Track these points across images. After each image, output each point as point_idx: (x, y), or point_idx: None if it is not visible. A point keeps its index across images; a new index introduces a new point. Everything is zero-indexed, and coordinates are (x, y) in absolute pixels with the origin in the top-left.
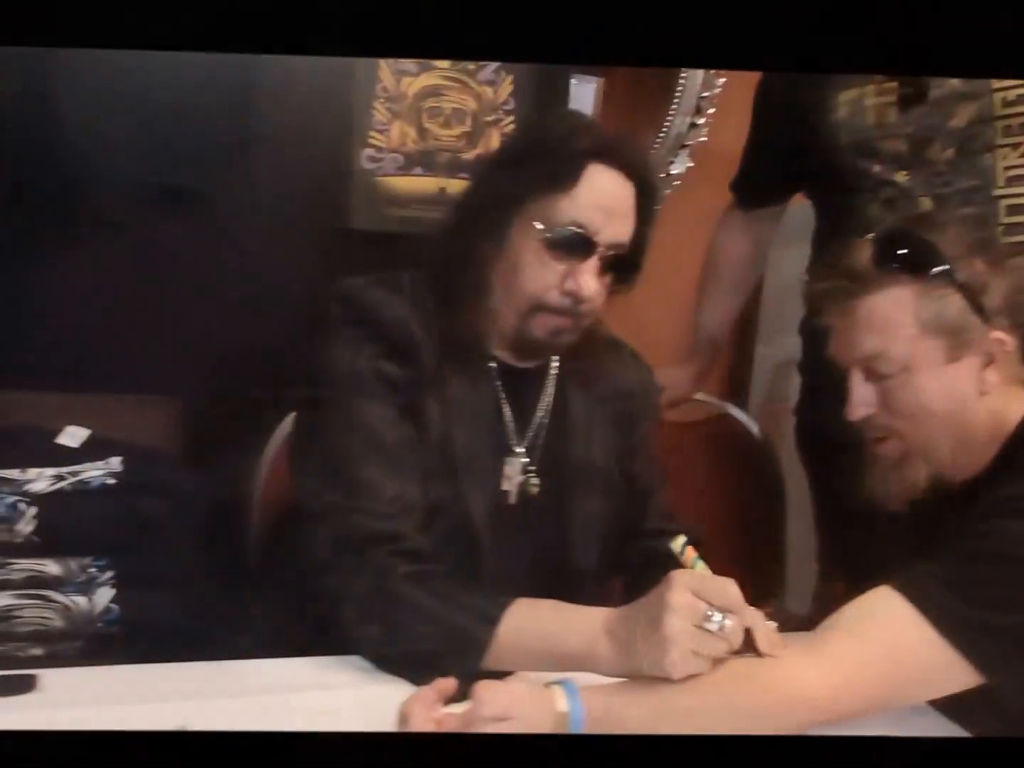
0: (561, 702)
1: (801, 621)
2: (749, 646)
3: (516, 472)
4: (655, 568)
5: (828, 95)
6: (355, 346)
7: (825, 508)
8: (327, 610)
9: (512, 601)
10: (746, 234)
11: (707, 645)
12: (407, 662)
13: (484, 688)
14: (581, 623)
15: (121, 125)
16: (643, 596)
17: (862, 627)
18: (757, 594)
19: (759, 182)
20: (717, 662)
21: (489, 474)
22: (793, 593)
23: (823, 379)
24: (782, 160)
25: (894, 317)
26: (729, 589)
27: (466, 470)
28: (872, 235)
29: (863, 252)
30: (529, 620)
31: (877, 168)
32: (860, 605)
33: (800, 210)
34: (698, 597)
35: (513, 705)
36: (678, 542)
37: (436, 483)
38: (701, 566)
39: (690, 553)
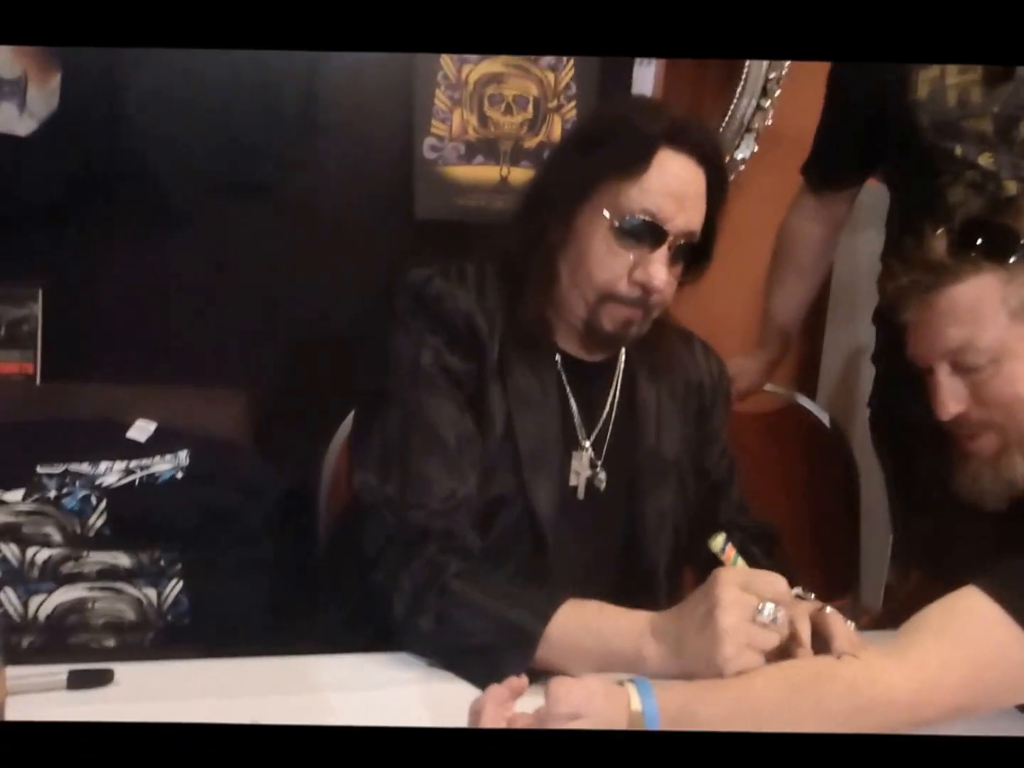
0: (635, 700)
1: (876, 617)
2: (828, 646)
3: (583, 466)
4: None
5: (908, 73)
6: (418, 339)
7: (902, 501)
8: (378, 604)
9: (562, 599)
10: (818, 219)
11: (760, 638)
12: (458, 657)
13: (558, 685)
14: (626, 625)
15: (188, 119)
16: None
17: (947, 628)
18: (831, 589)
19: (832, 165)
20: (792, 660)
21: (555, 468)
22: (867, 589)
23: (898, 369)
24: (857, 142)
25: (980, 306)
26: (777, 583)
27: (531, 463)
28: (945, 227)
29: (938, 244)
30: (576, 619)
31: (960, 150)
32: (945, 605)
33: (872, 193)
34: (747, 592)
35: (587, 703)
36: (717, 541)
37: (500, 477)
38: (741, 563)
39: (730, 551)
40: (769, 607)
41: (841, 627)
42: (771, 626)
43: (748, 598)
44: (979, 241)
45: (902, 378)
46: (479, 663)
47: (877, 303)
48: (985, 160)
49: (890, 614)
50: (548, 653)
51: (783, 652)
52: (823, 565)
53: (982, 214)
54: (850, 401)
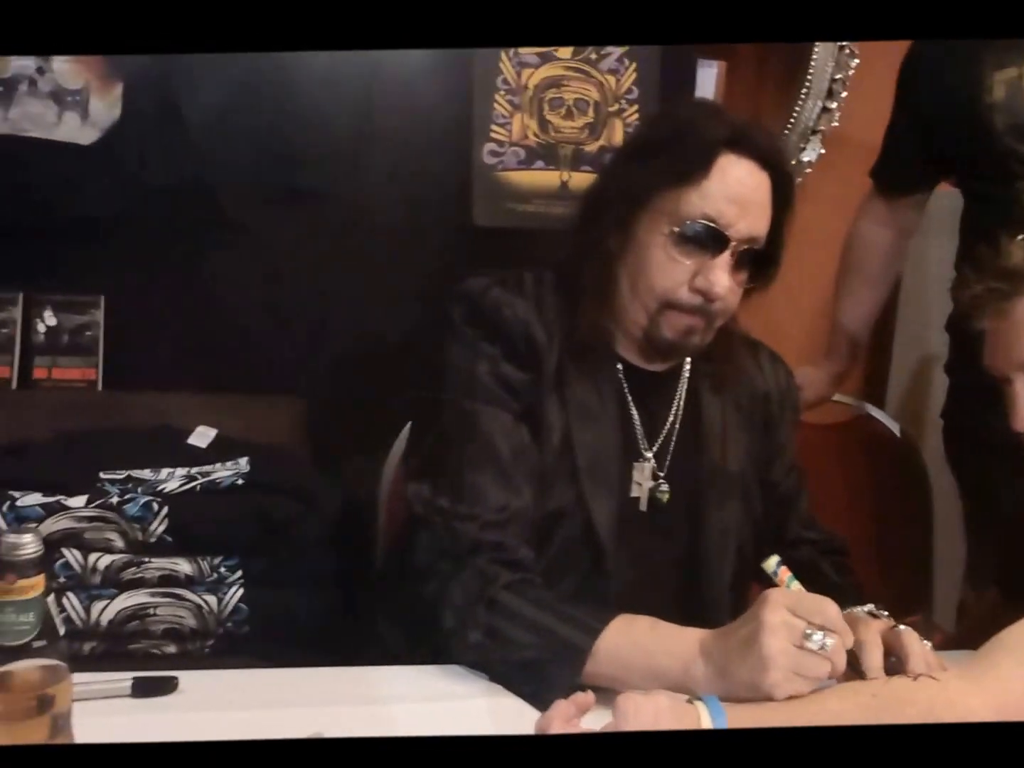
0: (705, 719)
1: (950, 637)
2: (902, 666)
3: (645, 477)
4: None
5: (983, 74)
6: (474, 348)
7: (977, 517)
8: (427, 616)
9: (613, 615)
10: (888, 224)
11: (807, 666)
12: (506, 670)
13: (626, 701)
14: (677, 643)
15: (243, 126)
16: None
17: None
18: (902, 606)
19: (903, 169)
20: (866, 680)
21: (615, 480)
22: (940, 607)
23: (973, 380)
24: (929, 144)
25: None
26: (827, 607)
27: (589, 475)
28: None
29: (1016, 251)
30: (627, 636)
31: None
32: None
33: (943, 197)
34: (795, 615)
35: (656, 720)
36: (771, 562)
37: (559, 490)
38: (796, 586)
39: (784, 573)
40: (818, 635)
41: (917, 647)
42: (820, 653)
43: (796, 623)
44: None
45: (977, 389)
46: (527, 677)
47: (950, 312)
48: None
49: (965, 633)
50: (597, 669)
51: (855, 672)
52: (894, 581)
53: None
54: (920, 412)
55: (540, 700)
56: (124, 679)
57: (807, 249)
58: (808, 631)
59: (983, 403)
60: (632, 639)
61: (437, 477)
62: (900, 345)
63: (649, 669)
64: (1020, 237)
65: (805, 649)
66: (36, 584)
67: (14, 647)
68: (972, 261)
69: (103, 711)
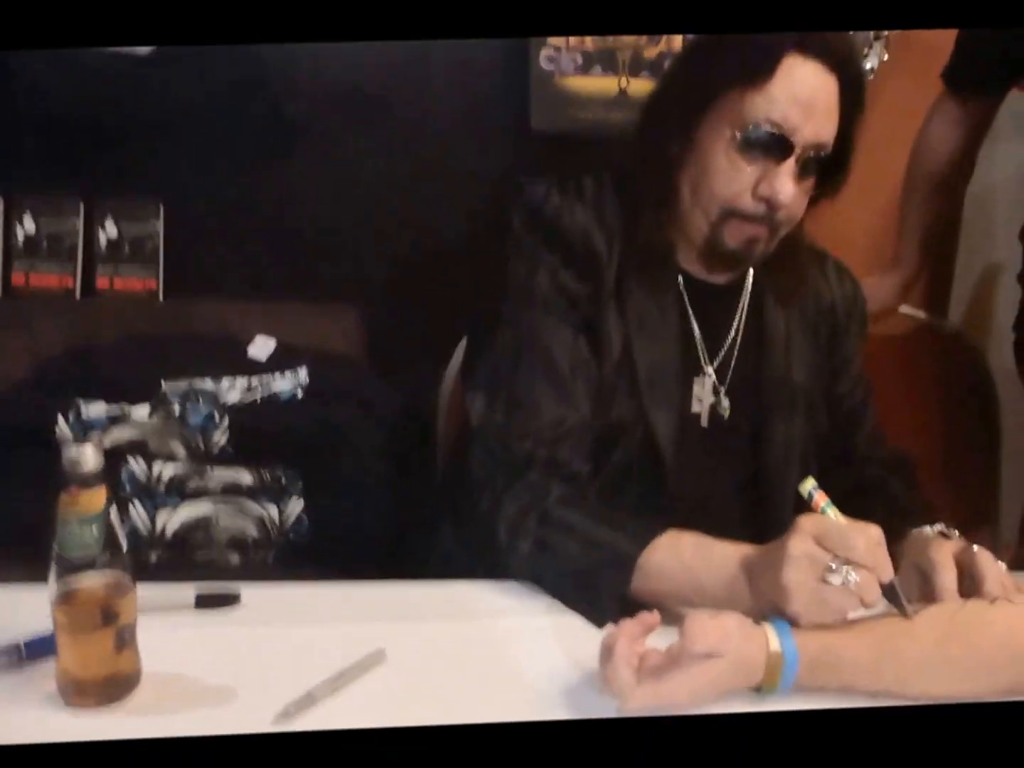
0: (774, 640)
1: (1015, 556)
2: (976, 588)
3: (706, 392)
4: (863, 497)
5: None
6: (534, 257)
7: None
8: (483, 528)
9: (663, 530)
10: (958, 127)
11: (832, 600)
12: (557, 581)
13: (694, 622)
14: (720, 560)
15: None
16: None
17: None
18: (969, 523)
19: (977, 68)
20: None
21: (676, 394)
22: (1005, 526)
23: None
24: (1003, 44)
25: None
26: (856, 540)
27: (650, 389)
28: None
29: None
30: (673, 552)
31: None
32: None
33: (1012, 101)
34: (822, 547)
35: (725, 642)
36: (807, 484)
37: (618, 404)
38: (832, 512)
39: (820, 498)
40: (842, 570)
41: (992, 568)
42: (843, 589)
43: (820, 555)
44: None
45: None
46: (578, 587)
47: None
48: None
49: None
50: (646, 584)
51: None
52: (960, 497)
53: None
54: (986, 324)
55: (593, 612)
56: (188, 592)
57: (873, 156)
58: (832, 565)
59: None
60: (677, 556)
61: (493, 391)
62: (964, 254)
63: (695, 586)
64: None
65: (827, 582)
66: (98, 496)
67: (78, 560)
68: None
69: (167, 624)
